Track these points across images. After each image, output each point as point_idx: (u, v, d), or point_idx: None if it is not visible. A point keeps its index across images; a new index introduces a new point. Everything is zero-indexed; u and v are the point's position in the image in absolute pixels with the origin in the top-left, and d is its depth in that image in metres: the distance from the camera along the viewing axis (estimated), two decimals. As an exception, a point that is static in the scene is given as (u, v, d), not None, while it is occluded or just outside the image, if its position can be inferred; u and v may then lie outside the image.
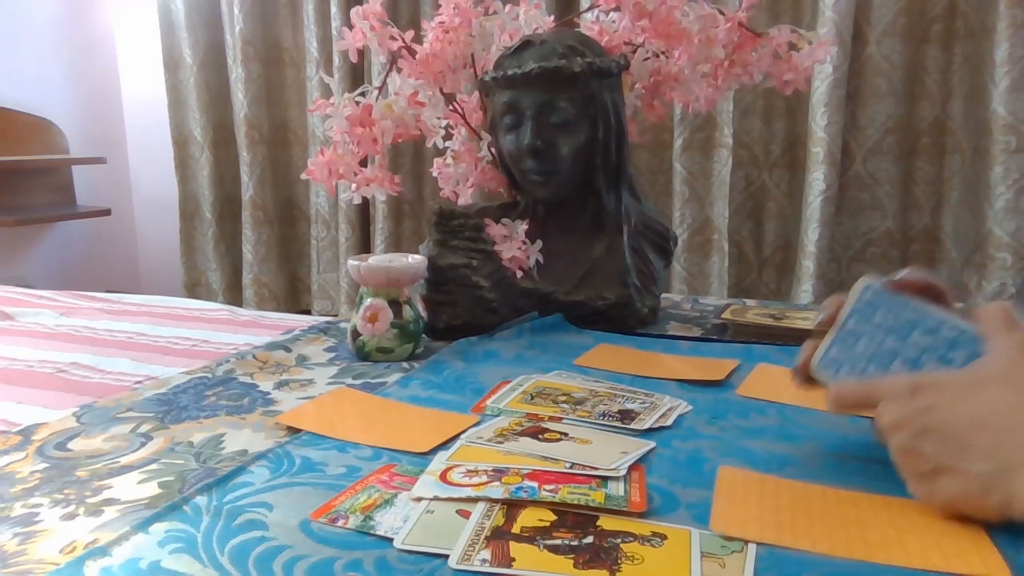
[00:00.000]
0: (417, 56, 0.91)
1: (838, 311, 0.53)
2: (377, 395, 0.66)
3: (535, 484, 0.46)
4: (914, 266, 0.52)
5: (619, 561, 0.39)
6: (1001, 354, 0.44)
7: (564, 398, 0.63)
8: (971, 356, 0.46)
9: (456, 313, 0.84)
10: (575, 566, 0.38)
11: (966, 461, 0.41)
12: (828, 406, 0.50)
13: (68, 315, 1.05)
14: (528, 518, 0.43)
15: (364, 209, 2.38)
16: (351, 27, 0.91)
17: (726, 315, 0.88)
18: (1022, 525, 0.41)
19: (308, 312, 2.51)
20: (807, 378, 0.54)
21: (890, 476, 0.48)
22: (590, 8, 0.97)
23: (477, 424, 0.58)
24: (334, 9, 2.29)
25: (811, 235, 1.82)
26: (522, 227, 0.87)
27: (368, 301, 0.77)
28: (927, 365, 0.48)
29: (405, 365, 0.76)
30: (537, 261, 0.88)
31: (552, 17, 0.97)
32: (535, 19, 0.93)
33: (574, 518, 0.43)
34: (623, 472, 0.48)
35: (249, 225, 2.53)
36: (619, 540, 0.41)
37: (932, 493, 0.43)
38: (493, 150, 0.94)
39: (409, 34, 0.92)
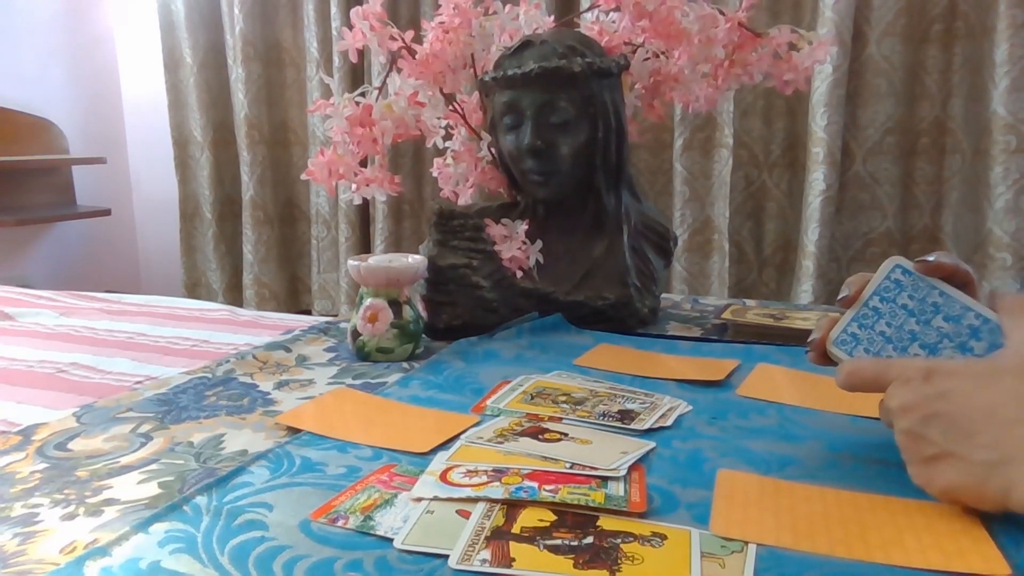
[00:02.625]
0: (417, 56, 0.91)
1: (862, 289, 0.52)
2: (377, 395, 0.66)
3: (535, 484, 0.46)
4: (944, 251, 0.52)
5: (619, 561, 0.39)
6: (1020, 345, 0.44)
7: (564, 398, 0.63)
8: (992, 347, 0.46)
9: (456, 313, 0.84)
10: (575, 566, 0.38)
11: (970, 449, 0.41)
12: (839, 382, 0.49)
13: (68, 315, 1.05)
14: (528, 518, 0.43)
15: (364, 209, 2.38)
16: (351, 27, 0.91)
17: (726, 315, 0.88)
18: (1023, 523, 0.41)
19: (308, 312, 2.51)
20: (822, 354, 0.53)
21: (890, 476, 0.48)
22: (590, 8, 0.97)
23: (477, 424, 0.58)
24: (334, 9, 2.29)
25: (811, 235, 1.82)
26: (522, 227, 0.87)
27: (368, 301, 0.77)
28: (945, 352, 0.48)
29: (405, 365, 0.76)
30: (537, 261, 0.88)
31: (552, 17, 0.97)
32: (535, 19, 0.93)
33: (574, 518, 0.43)
34: (623, 472, 0.48)
35: (249, 225, 2.53)
36: (619, 540, 0.41)
37: (931, 478, 0.43)
38: (493, 150, 0.94)
39: (409, 34, 0.92)
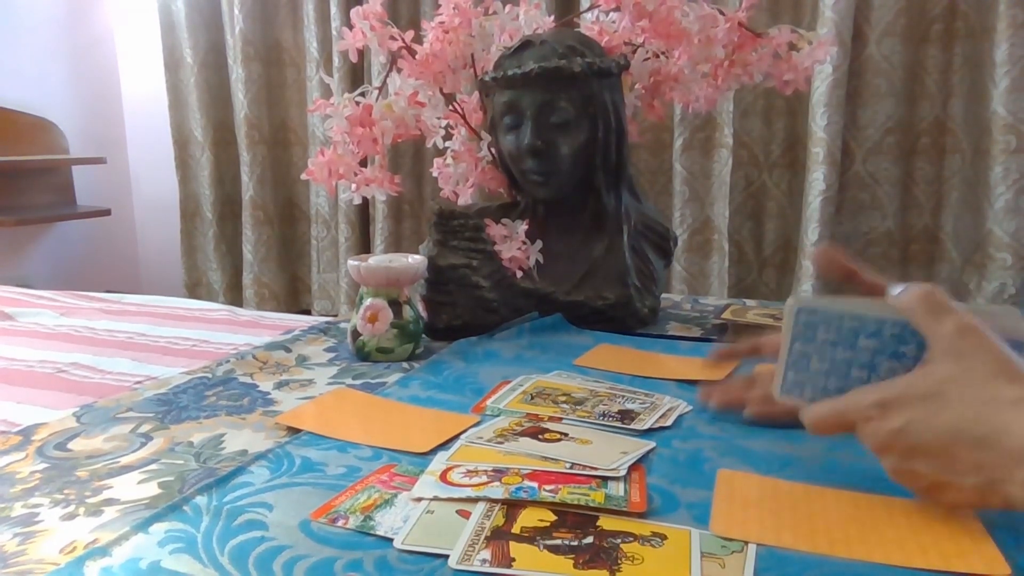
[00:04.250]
0: (417, 56, 0.91)
1: (731, 354, 0.56)
2: (377, 395, 0.66)
3: (535, 484, 0.46)
4: (828, 244, 0.52)
5: (619, 561, 0.39)
6: (943, 350, 0.43)
7: (564, 398, 0.63)
8: (920, 345, 0.46)
9: (456, 313, 0.84)
10: (575, 566, 0.38)
11: (958, 475, 0.41)
12: (808, 431, 0.49)
13: (68, 315, 1.05)
14: (528, 518, 0.43)
15: (364, 209, 2.38)
16: (351, 27, 0.91)
17: (726, 315, 0.88)
18: (1023, 523, 0.41)
19: (308, 312, 2.51)
20: (765, 413, 0.56)
21: (890, 476, 0.48)
22: (590, 8, 0.97)
23: (477, 424, 0.58)
24: (334, 9, 2.29)
25: (811, 235, 1.82)
26: (522, 227, 0.87)
27: (368, 301, 0.77)
28: (882, 366, 0.48)
29: (405, 365, 0.76)
30: (537, 261, 0.88)
31: (552, 17, 0.97)
32: (535, 19, 0.93)
33: (574, 518, 0.43)
34: (623, 472, 0.48)
35: (249, 225, 2.53)
36: (619, 540, 0.41)
37: (938, 501, 0.43)
38: (493, 150, 0.94)
39: (409, 34, 0.92)
